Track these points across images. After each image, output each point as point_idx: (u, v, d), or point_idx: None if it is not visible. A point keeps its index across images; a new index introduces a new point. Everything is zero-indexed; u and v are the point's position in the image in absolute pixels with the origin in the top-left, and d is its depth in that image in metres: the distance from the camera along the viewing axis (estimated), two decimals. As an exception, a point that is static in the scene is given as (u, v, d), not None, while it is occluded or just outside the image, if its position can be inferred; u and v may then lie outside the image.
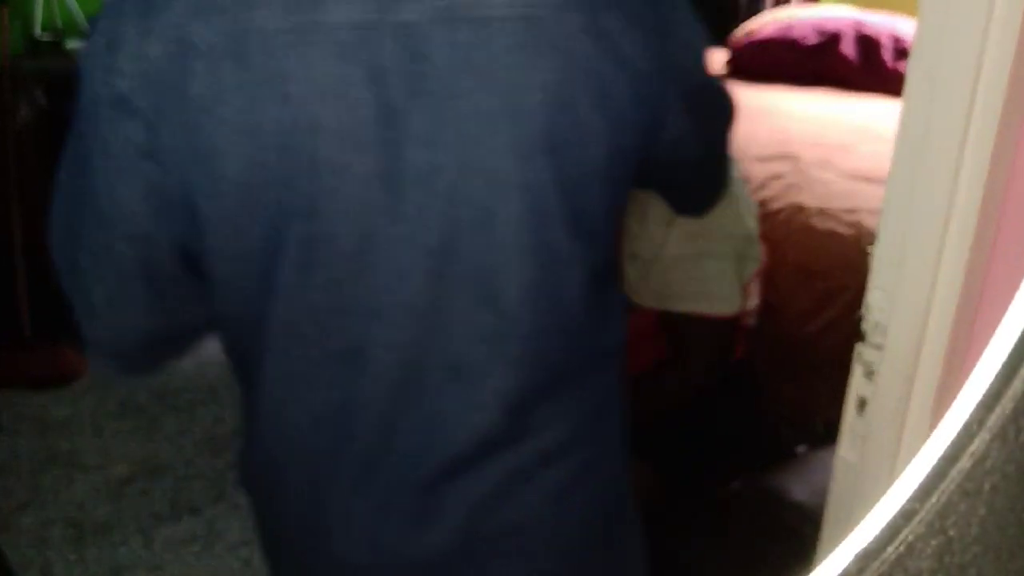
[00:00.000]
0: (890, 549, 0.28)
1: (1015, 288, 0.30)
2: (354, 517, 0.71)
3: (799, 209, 1.70)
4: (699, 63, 0.76)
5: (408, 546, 0.70)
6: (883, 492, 0.29)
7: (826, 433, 1.34)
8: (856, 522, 0.29)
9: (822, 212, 1.68)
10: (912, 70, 0.65)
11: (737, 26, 3.11)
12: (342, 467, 0.70)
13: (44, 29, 2.67)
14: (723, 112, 0.86)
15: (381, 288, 0.64)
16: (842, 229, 1.62)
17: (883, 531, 0.28)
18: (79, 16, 2.72)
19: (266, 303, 0.67)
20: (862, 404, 0.73)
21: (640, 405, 1.29)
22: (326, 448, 0.71)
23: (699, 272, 1.23)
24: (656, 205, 1.23)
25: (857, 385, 0.74)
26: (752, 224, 1.29)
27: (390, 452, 0.69)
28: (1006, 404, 0.28)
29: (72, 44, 2.57)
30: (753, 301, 1.32)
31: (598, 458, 0.76)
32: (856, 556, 0.28)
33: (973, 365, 0.29)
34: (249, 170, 0.61)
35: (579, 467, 0.74)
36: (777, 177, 1.85)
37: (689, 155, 0.79)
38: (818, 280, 1.58)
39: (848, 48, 2.70)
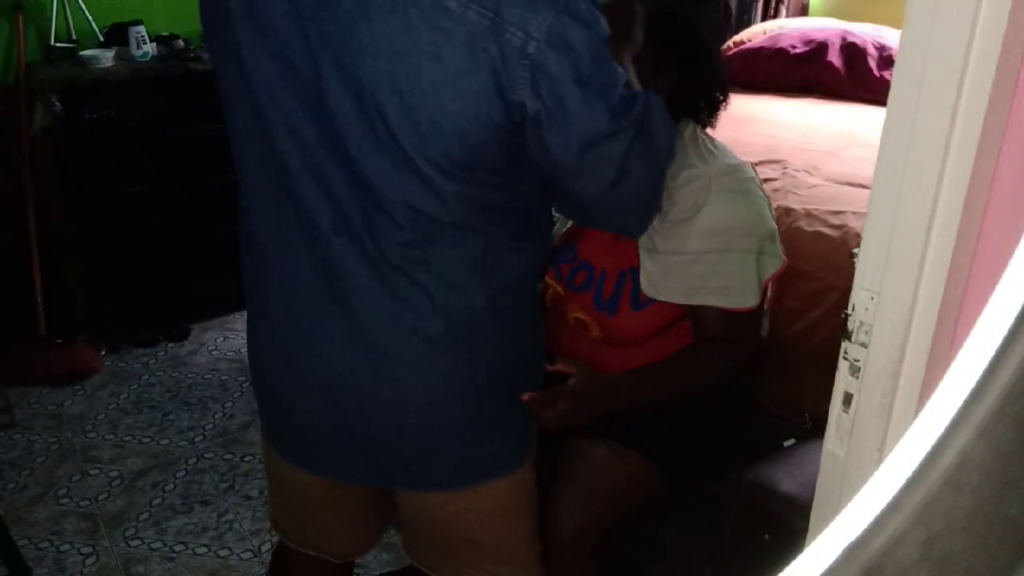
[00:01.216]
0: (877, 541, 0.28)
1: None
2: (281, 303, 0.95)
3: (787, 212, 1.73)
4: (563, 60, 0.76)
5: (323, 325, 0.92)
6: (869, 485, 0.29)
7: (813, 427, 1.36)
8: (843, 514, 0.29)
9: (809, 215, 1.71)
10: (897, 77, 0.67)
11: (728, 37, 3.14)
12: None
13: (59, 37, 2.66)
14: (614, 135, 0.82)
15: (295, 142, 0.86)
16: (828, 231, 1.64)
17: (870, 523, 0.29)
18: (94, 24, 2.72)
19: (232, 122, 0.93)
20: (848, 399, 0.75)
21: (685, 375, 1.28)
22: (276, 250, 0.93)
23: (722, 267, 1.23)
24: (677, 203, 1.25)
25: (843, 381, 0.76)
26: (773, 223, 1.30)
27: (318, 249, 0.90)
28: (991, 400, 0.28)
29: (87, 52, 2.57)
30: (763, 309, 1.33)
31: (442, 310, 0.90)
32: (844, 548, 0.28)
33: (956, 362, 0.29)
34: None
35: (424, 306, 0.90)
36: (766, 181, 1.88)
37: (556, 150, 0.81)
38: (805, 280, 1.60)
39: (835, 57, 2.73)
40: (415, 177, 0.82)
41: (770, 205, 1.32)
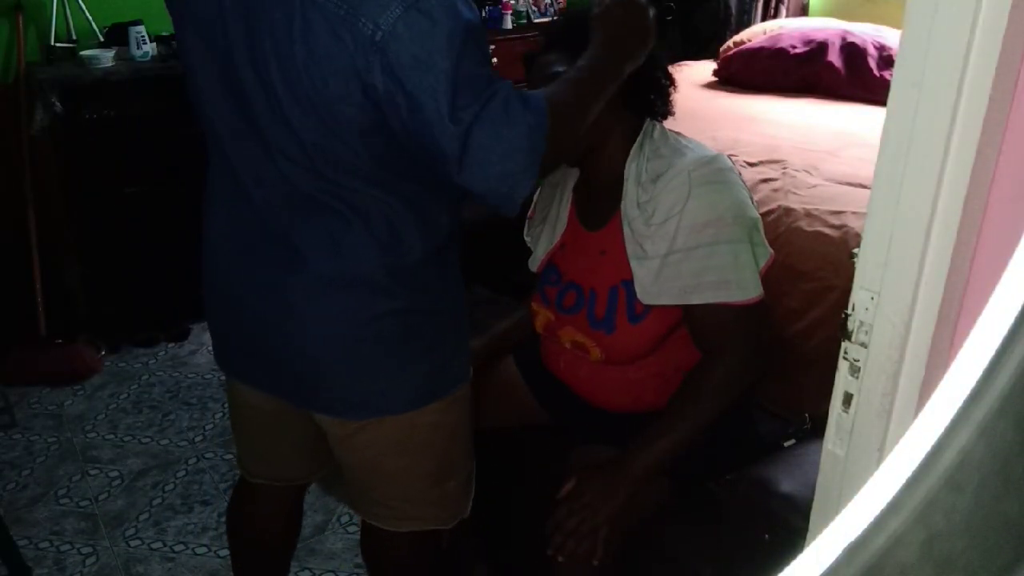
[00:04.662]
0: (877, 541, 0.28)
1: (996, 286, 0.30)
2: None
3: (787, 212, 1.73)
4: (404, 48, 0.88)
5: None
6: (869, 485, 0.29)
7: (813, 427, 1.36)
8: (843, 514, 0.29)
9: (809, 215, 1.71)
10: (897, 77, 0.67)
11: (728, 37, 3.14)
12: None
13: (59, 37, 2.66)
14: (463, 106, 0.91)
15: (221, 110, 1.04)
16: (828, 231, 1.64)
17: (870, 523, 0.29)
18: (94, 24, 2.72)
19: None
20: (848, 400, 0.75)
21: (690, 399, 1.23)
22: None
23: (714, 260, 1.20)
24: (660, 204, 1.23)
25: (843, 381, 0.76)
26: (755, 212, 1.27)
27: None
28: (991, 399, 0.28)
29: (87, 52, 2.57)
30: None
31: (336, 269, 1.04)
32: (844, 548, 0.28)
33: (956, 362, 0.29)
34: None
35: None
36: (766, 181, 1.88)
37: (408, 126, 0.93)
38: (805, 280, 1.60)
39: (835, 57, 2.74)
40: (301, 146, 0.96)
41: (751, 195, 1.29)
